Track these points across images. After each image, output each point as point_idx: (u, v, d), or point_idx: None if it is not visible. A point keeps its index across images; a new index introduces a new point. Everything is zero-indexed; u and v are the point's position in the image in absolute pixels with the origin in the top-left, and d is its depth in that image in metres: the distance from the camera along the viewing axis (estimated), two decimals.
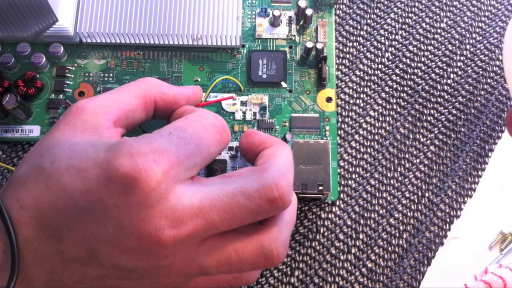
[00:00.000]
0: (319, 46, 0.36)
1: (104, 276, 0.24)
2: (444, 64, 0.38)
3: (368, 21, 0.39)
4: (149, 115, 0.29)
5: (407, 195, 0.35)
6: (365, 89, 0.37)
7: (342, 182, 0.35)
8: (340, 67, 0.38)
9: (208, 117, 0.26)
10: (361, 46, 0.38)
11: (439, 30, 0.39)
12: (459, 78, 0.38)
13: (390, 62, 0.38)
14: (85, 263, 0.24)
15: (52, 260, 0.24)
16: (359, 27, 0.39)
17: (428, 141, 0.36)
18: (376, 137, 0.36)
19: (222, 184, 0.24)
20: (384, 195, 0.35)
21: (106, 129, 0.26)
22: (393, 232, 0.34)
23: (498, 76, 0.38)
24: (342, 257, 0.34)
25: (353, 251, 0.34)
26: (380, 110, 0.37)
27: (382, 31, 0.39)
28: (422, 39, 0.39)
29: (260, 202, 0.24)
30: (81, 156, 0.24)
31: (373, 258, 0.34)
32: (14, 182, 0.24)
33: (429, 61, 0.38)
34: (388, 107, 0.37)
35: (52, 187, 0.23)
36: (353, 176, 0.35)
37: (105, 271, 0.24)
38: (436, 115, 0.37)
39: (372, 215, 0.34)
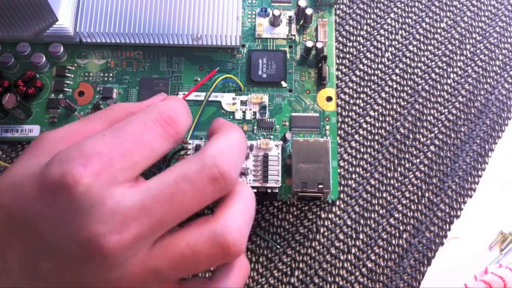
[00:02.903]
0: (319, 45, 0.36)
1: None
2: (444, 64, 0.38)
3: (368, 21, 0.39)
4: None
5: (407, 195, 0.35)
6: (365, 89, 0.37)
7: (342, 182, 0.35)
8: (340, 67, 0.38)
9: (153, 111, 0.24)
10: (361, 46, 0.38)
11: (439, 30, 0.39)
12: (459, 78, 0.38)
13: (390, 62, 0.38)
14: (32, 279, 0.22)
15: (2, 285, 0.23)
16: (359, 27, 0.39)
17: (428, 141, 0.36)
18: (376, 137, 0.36)
19: (162, 176, 0.23)
20: (384, 195, 0.35)
21: None
22: (393, 232, 0.34)
23: (498, 76, 0.38)
24: (342, 257, 0.34)
25: (353, 251, 0.34)
26: (380, 110, 0.37)
27: (382, 31, 0.39)
28: (422, 39, 0.39)
29: (202, 183, 0.22)
30: (21, 173, 0.23)
31: (373, 258, 0.34)
32: None
33: (429, 61, 0.38)
34: (388, 107, 0.37)
35: None
36: (353, 176, 0.35)
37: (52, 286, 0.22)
38: (436, 115, 0.37)
39: (372, 215, 0.34)
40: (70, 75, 0.36)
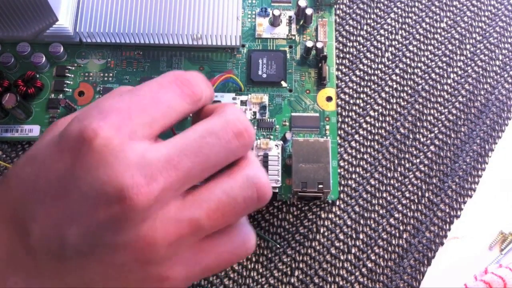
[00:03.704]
0: (319, 45, 0.36)
1: (84, 267, 0.22)
2: (444, 64, 0.38)
3: (368, 21, 0.39)
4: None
5: (407, 195, 0.35)
6: (365, 89, 0.37)
7: (342, 182, 0.35)
8: (340, 67, 0.38)
9: (169, 74, 0.25)
10: (361, 46, 0.38)
11: (439, 30, 0.39)
12: (459, 78, 0.38)
13: (390, 62, 0.38)
14: (59, 256, 0.21)
15: (25, 263, 0.22)
16: (359, 27, 0.39)
17: (428, 141, 0.36)
18: (376, 137, 0.36)
19: (187, 132, 0.23)
20: (384, 195, 0.35)
21: None
22: (393, 232, 0.34)
23: (498, 76, 0.38)
24: (342, 257, 0.34)
25: (353, 251, 0.34)
26: (380, 110, 0.37)
27: (382, 31, 0.39)
28: (422, 39, 0.39)
29: (228, 137, 0.23)
30: (38, 147, 0.23)
31: (373, 258, 0.34)
32: None
33: (429, 61, 0.38)
34: (388, 107, 0.37)
35: (11, 184, 0.22)
36: (353, 176, 0.35)
37: (84, 260, 0.22)
38: (436, 115, 0.37)
39: (372, 215, 0.34)
40: (70, 75, 0.36)
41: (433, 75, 0.38)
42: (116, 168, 0.21)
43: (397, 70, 0.38)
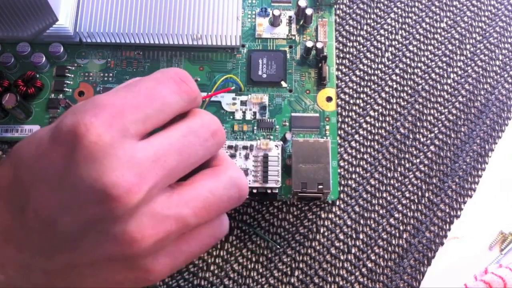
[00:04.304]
0: (319, 45, 0.36)
1: (72, 251, 0.23)
2: (444, 64, 0.38)
3: (368, 21, 0.39)
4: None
5: (407, 195, 0.35)
6: (365, 89, 0.37)
7: (342, 182, 0.35)
8: (340, 67, 0.38)
9: (167, 71, 0.25)
10: (361, 46, 0.38)
11: (439, 30, 0.39)
12: (459, 78, 0.38)
13: (390, 62, 0.38)
14: (50, 238, 0.22)
15: (18, 234, 0.23)
16: (359, 27, 0.39)
17: (428, 141, 0.36)
18: (376, 137, 0.36)
19: (169, 131, 0.24)
20: (384, 195, 0.35)
21: None
22: (393, 232, 0.34)
23: (498, 76, 0.38)
24: (342, 257, 0.34)
25: (353, 251, 0.34)
26: (380, 110, 0.37)
27: (382, 31, 0.39)
28: (422, 39, 0.39)
29: (206, 135, 0.24)
30: (39, 132, 0.23)
31: (373, 258, 0.34)
32: None
33: (429, 61, 0.38)
34: (388, 107, 0.37)
35: (12, 162, 0.23)
36: (353, 176, 0.35)
37: (73, 244, 0.22)
38: (436, 115, 0.37)
39: (372, 215, 0.34)
40: (70, 75, 0.36)
41: (433, 75, 0.38)
42: (106, 165, 0.21)
43: (397, 70, 0.38)
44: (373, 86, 0.37)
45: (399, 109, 0.37)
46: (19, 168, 0.23)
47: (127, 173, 0.22)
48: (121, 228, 0.22)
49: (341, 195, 0.35)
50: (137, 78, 0.26)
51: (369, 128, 0.36)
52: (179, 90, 0.25)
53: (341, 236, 0.34)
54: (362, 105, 0.37)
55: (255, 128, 0.35)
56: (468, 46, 0.39)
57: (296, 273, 0.33)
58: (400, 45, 0.39)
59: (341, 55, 0.38)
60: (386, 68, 0.38)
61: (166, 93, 0.24)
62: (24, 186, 0.22)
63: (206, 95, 0.34)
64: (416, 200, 0.35)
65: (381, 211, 0.35)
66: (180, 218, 0.23)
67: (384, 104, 0.37)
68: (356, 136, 0.36)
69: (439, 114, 0.37)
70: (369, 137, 0.36)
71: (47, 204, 0.22)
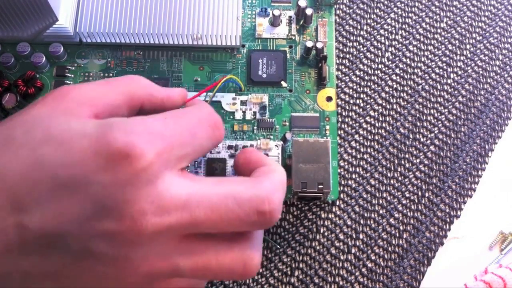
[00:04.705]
0: (319, 45, 0.36)
1: (65, 265, 0.22)
2: (444, 64, 0.38)
3: (368, 21, 0.39)
4: (131, 114, 0.27)
5: (407, 195, 0.35)
6: (365, 89, 0.37)
7: (342, 182, 0.35)
8: (340, 67, 0.38)
9: (204, 110, 0.26)
10: (361, 46, 0.38)
11: (439, 30, 0.39)
12: (459, 78, 0.38)
13: (390, 62, 0.38)
14: (46, 245, 0.22)
15: (10, 233, 0.21)
16: (359, 27, 0.39)
17: (428, 141, 0.36)
18: (376, 137, 0.36)
19: (214, 185, 0.24)
20: (384, 195, 0.35)
21: (87, 118, 0.24)
22: (393, 232, 0.34)
23: (498, 76, 0.38)
24: (342, 257, 0.34)
25: (353, 251, 0.34)
26: (380, 110, 0.37)
27: (382, 31, 0.39)
28: (422, 39, 0.39)
29: (249, 211, 0.23)
30: (63, 127, 0.22)
31: (373, 258, 0.34)
32: None
33: (429, 61, 0.38)
34: (388, 107, 0.37)
35: (24, 157, 0.22)
36: (353, 176, 0.35)
37: (68, 258, 0.22)
38: (436, 115, 0.37)
39: (372, 215, 0.34)
40: (70, 75, 0.36)
41: (433, 75, 0.38)
42: (142, 192, 0.22)
43: (397, 70, 0.38)
44: (373, 86, 0.37)
45: (399, 109, 0.37)
46: (35, 170, 0.21)
47: (156, 204, 0.22)
48: (126, 254, 0.22)
49: (341, 195, 0.35)
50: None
51: (369, 128, 0.36)
52: (213, 136, 0.26)
53: (341, 236, 0.34)
54: (362, 105, 0.37)
55: (255, 128, 0.35)
56: (468, 46, 0.39)
57: (296, 273, 0.33)
58: (400, 45, 0.39)
59: (341, 55, 0.38)
60: (386, 68, 0.38)
61: (204, 136, 0.25)
62: (37, 190, 0.21)
63: (200, 90, 0.34)
64: (416, 200, 0.35)
65: (381, 211, 0.35)
66: (177, 269, 0.24)
67: (384, 104, 0.37)
68: (356, 136, 0.36)
69: (439, 114, 0.37)
70: (369, 137, 0.36)
71: (60, 212, 0.21)
